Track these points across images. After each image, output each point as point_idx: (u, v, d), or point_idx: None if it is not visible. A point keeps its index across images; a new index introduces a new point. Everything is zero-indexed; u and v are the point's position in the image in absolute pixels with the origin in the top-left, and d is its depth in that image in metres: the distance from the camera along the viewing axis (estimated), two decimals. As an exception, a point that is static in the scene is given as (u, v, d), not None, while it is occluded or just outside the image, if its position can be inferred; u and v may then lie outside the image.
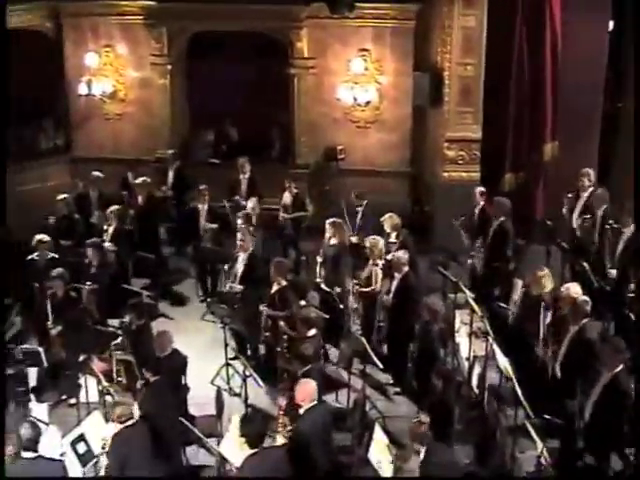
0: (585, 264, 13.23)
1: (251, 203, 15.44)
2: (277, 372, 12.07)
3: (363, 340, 11.78)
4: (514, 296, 12.68)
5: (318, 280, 13.70)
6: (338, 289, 13.48)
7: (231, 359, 12.86)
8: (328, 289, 13.50)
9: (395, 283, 12.64)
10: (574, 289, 11.22)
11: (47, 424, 11.72)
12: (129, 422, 9.33)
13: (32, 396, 12.34)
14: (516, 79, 16.43)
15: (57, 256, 13.90)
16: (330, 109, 18.25)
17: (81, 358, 12.08)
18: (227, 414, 10.97)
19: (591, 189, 14.32)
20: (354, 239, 14.64)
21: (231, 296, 13.51)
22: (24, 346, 12.08)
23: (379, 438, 9.69)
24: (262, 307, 12.66)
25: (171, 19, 18.33)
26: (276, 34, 18.16)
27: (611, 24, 16.75)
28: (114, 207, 15.35)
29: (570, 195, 14.53)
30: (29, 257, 13.78)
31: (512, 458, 10.41)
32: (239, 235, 13.75)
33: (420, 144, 18.14)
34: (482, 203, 14.65)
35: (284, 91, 18.64)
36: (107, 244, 14.53)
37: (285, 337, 11.99)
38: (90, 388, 11.92)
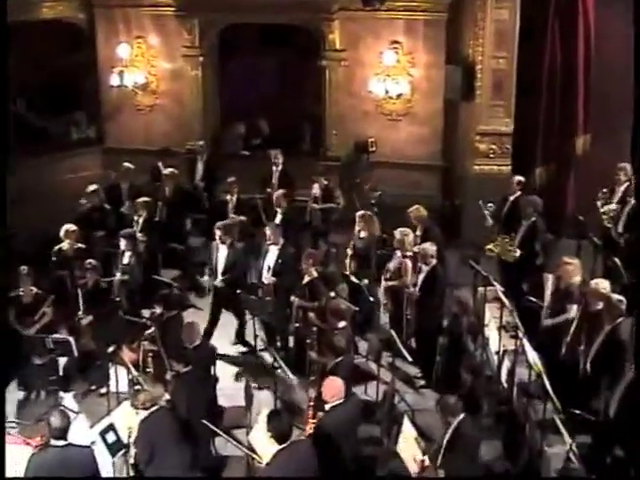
0: (616, 259, 13.14)
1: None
2: (307, 364, 12.09)
3: (392, 333, 11.77)
4: (546, 291, 12.60)
5: (347, 272, 13.68)
6: (367, 281, 13.47)
7: (261, 350, 12.89)
8: (357, 281, 13.49)
9: (422, 276, 12.61)
10: (602, 284, 11.11)
11: (77, 413, 11.86)
12: (153, 408, 9.40)
13: (62, 385, 12.48)
14: (548, 72, 16.33)
15: (84, 246, 13.98)
16: (361, 101, 18.21)
17: (111, 348, 12.17)
18: (256, 406, 11.03)
19: (627, 184, 14.21)
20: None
21: (262, 287, 13.54)
22: (55, 336, 12.13)
23: (408, 431, 9.68)
24: (293, 298, 12.67)
25: (203, 11, 18.33)
26: (308, 26, 18.15)
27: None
28: (143, 198, 15.42)
29: (605, 190, 14.43)
30: (57, 247, 13.84)
31: (540, 453, 10.37)
32: (269, 228, 13.76)
33: (451, 137, 18.06)
34: (518, 193, 14.55)
35: (315, 83, 18.63)
36: (138, 235, 14.59)
37: (315, 329, 12.01)
38: (120, 378, 12.05)
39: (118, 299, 13.17)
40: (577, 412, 10.02)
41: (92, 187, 15.85)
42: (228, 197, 15.94)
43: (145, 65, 19.23)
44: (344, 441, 9.27)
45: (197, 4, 18.27)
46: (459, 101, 17.52)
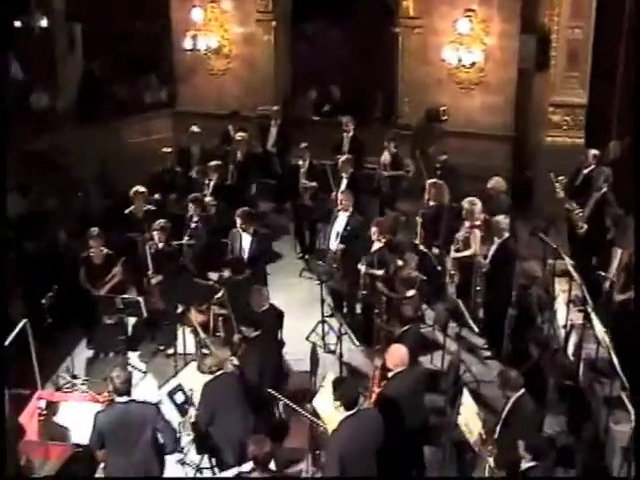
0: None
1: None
2: (373, 331, 12.11)
3: (460, 303, 11.75)
4: (613, 265, 12.46)
5: (416, 241, 13.64)
6: (436, 251, 13.44)
7: (327, 316, 12.93)
8: (426, 250, 13.46)
9: (494, 248, 12.53)
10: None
11: (144, 373, 12.03)
12: (219, 372, 9.51)
13: (130, 345, 12.65)
14: (626, 43, 16.07)
15: (154, 208, 14.10)
16: (434, 69, 18.08)
17: (179, 310, 12.31)
18: (321, 371, 11.11)
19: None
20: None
21: (330, 254, 13.58)
22: (124, 296, 12.27)
23: (468, 404, 9.67)
24: (361, 266, 12.67)
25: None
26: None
27: None
28: (214, 162, 15.49)
29: None
30: (128, 209, 14.00)
31: (606, 430, 10.30)
32: (340, 194, 13.76)
33: (524, 108, 17.86)
34: (593, 167, 14.35)
35: (388, 51, 18.53)
36: (208, 198, 14.65)
37: (383, 297, 12.00)
38: (187, 340, 12.19)
39: (186, 262, 13.26)
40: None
41: (165, 150, 15.99)
42: (300, 162, 15.94)
43: (218, 29, 19.28)
44: (407, 409, 9.26)
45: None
46: (533, 71, 17.34)
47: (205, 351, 11.77)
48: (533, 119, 17.66)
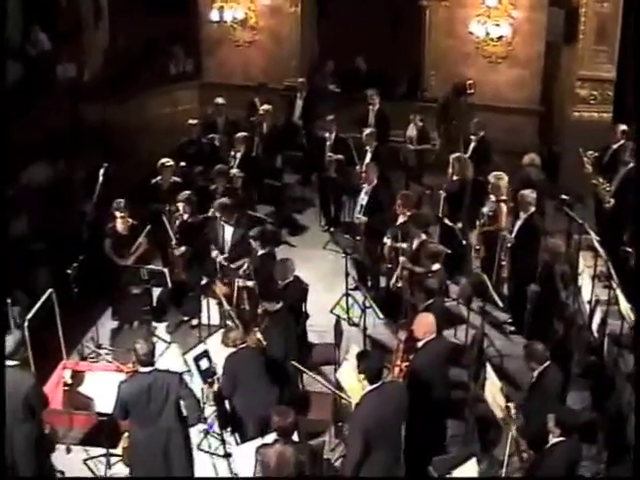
0: None
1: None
2: (397, 304, 12.10)
3: (484, 277, 11.72)
4: (640, 240, 12.41)
5: (440, 215, 13.60)
6: (460, 225, 13.41)
7: (351, 289, 12.94)
8: (450, 224, 13.42)
9: (519, 222, 12.47)
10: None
11: (169, 343, 12.09)
12: (242, 346, 9.53)
13: (155, 316, 12.71)
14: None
15: (180, 180, 14.11)
16: (461, 43, 17.97)
17: (204, 281, 12.34)
18: (345, 343, 11.13)
19: None
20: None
21: (354, 227, 13.57)
22: (150, 267, 12.32)
23: (492, 379, 9.67)
24: (385, 239, 12.65)
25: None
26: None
27: None
28: (241, 134, 15.47)
29: None
30: (153, 180, 14.01)
31: (629, 405, 10.27)
32: (364, 167, 13.73)
33: (552, 82, 17.76)
34: (622, 142, 14.21)
35: (415, 24, 18.42)
36: (234, 170, 14.65)
37: (407, 270, 11.99)
38: (212, 311, 12.24)
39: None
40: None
41: (191, 121, 16.00)
42: (326, 135, 15.90)
43: (244, 1, 19.18)
44: (436, 381, 9.30)
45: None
46: (561, 45, 17.21)
47: (229, 323, 11.84)
48: (560, 93, 17.55)
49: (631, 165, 13.45)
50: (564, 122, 17.07)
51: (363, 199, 13.47)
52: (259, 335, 9.78)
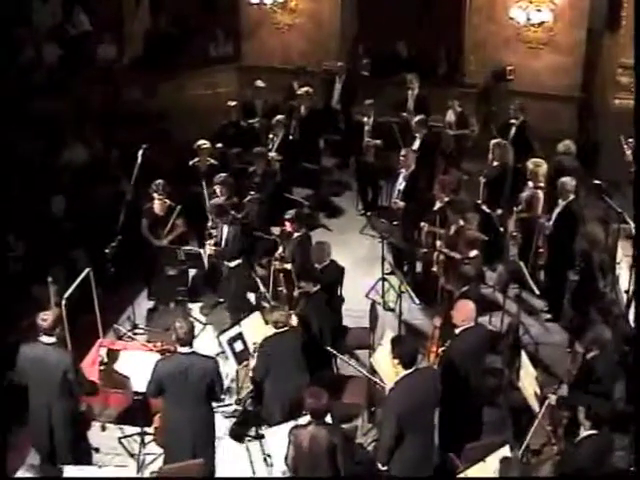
0: None
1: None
2: (433, 290, 12.08)
3: (521, 264, 11.66)
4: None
5: (479, 201, 13.54)
6: (499, 211, 13.34)
7: (387, 274, 12.93)
8: (488, 211, 13.36)
9: (558, 210, 12.38)
10: None
11: (204, 324, 12.15)
12: (283, 329, 9.51)
13: (190, 297, 12.76)
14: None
15: (217, 162, 14.15)
16: (502, 28, 17.83)
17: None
18: (380, 328, 11.11)
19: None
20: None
21: (392, 211, 13.55)
22: (186, 248, 12.35)
23: (527, 367, 9.63)
24: (423, 224, 12.62)
25: None
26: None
27: None
28: (280, 117, 15.48)
29: None
30: (191, 162, 14.05)
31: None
32: (402, 152, 13.69)
33: (592, 69, 17.61)
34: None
35: (456, 8, 18.33)
36: (272, 153, 14.67)
37: (444, 256, 11.95)
38: (248, 293, 12.28)
39: (248, 216, 13.30)
40: None
41: (229, 103, 16.02)
42: (365, 119, 15.86)
43: (285, -17, 19.19)
44: (471, 368, 9.25)
45: None
46: (603, 31, 17.05)
47: (265, 305, 11.88)
48: (601, 81, 17.39)
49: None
50: (605, 110, 16.91)
51: (401, 184, 13.44)
52: (295, 319, 9.79)
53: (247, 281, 12.00)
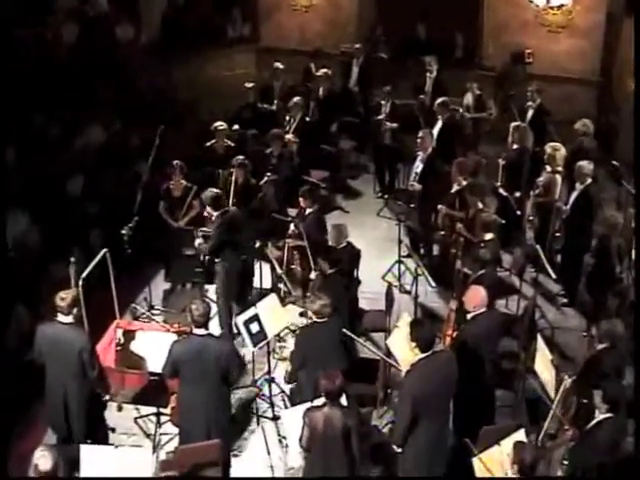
0: None
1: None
2: (449, 273, 12.06)
3: (538, 248, 11.62)
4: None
5: (497, 184, 13.49)
6: (517, 195, 13.29)
7: (404, 256, 12.93)
8: (506, 194, 13.31)
9: (575, 194, 12.33)
10: None
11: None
12: (320, 320, 9.31)
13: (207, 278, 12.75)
14: None
15: (234, 144, 14.14)
16: (521, 11, 17.76)
17: (257, 244, 12.37)
18: (396, 310, 11.12)
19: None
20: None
21: (409, 194, 13.53)
22: (203, 229, 12.35)
23: (543, 351, 9.61)
24: (440, 206, 12.60)
25: None
26: None
27: None
28: (297, 98, 15.46)
29: None
30: (208, 143, 14.08)
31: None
32: (419, 134, 13.64)
33: (612, 53, 17.50)
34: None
35: (474, -10, 18.26)
36: (289, 135, 14.66)
37: (462, 239, 11.92)
38: (264, 274, 12.28)
39: (266, 197, 13.31)
40: None
41: (248, 85, 16.02)
42: (382, 102, 15.81)
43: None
44: (484, 353, 9.21)
45: None
46: (622, 15, 16.93)
47: (281, 286, 11.89)
48: (620, 64, 17.28)
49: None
50: (623, 93, 16.81)
51: (418, 166, 13.40)
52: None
53: (236, 267, 11.89)
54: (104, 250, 10.59)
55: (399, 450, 8.43)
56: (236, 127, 15.04)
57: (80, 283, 9.85)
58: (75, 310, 8.80)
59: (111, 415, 9.75)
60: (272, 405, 10.42)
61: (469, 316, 9.35)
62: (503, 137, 14.11)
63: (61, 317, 8.73)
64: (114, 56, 17.39)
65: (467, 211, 12.17)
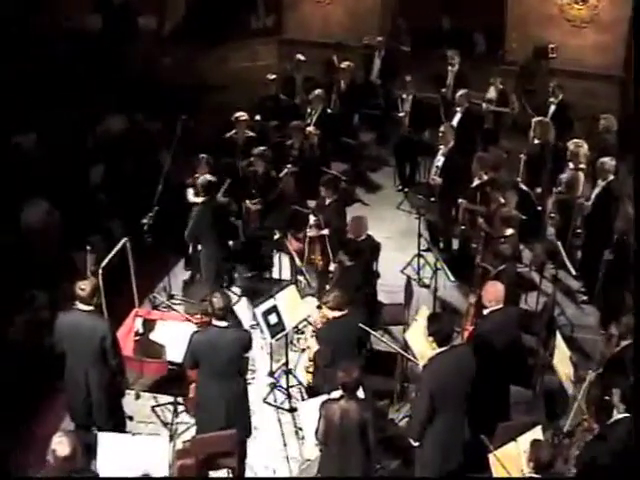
0: None
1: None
2: (469, 267, 12.04)
3: (558, 244, 11.58)
4: None
5: (518, 179, 13.45)
6: (538, 190, 13.23)
7: (423, 250, 12.92)
8: (527, 190, 13.26)
9: (597, 190, 12.28)
10: None
11: (239, 296, 12.18)
12: (339, 313, 9.28)
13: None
14: None
15: (255, 135, 14.14)
16: (545, 5, 17.68)
17: (277, 236, 12.38)
18: (415, 304, 11.11)
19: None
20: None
21: (429, 187, 13.51)
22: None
23: (561, 347, 9.58)
24: (460, 200, 12.57)
25: None
26: None
27: None
28: (319, 90, 15.44)
29: None
30: (228, 134, 14.07)
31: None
32: (441, 127, 13.61)
33: (636, 47, 17.39)
34: None
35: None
36: (310, 127, 14.65)
37: (482, 233, 11.89)
38: (283, 266, 12.30)
39: (286, 189, 13.30)
40: None
41: (270, 76, 16.02)
42: (404, 95, 15.78)
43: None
44: (499, 349, 9.18)
45: None
46: (648, 9, 16.83)
47: (300, 278, 11.90)
48: (644, 61, 17.19)
49: None
50: (646, 90, 16.72)
51: (439, 160, 13.38)
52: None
53: (219, 253, 11.94)
54: (124, 239, 10.62)
55: (416, 444, 8.43)
56: (258, 118, 15.04)
57: (100, 272, 9.88)
58: (95, 299, 8.83)
59: (129, 403, 9.78)
60: (289, 397, 10.44)
61: (485, 312, 9.35)
62: (524, 132, 14.04)
63: (81, 306, 8.76)
64: (137, 45, 17.45)
65: (488, 206, 12.12)
